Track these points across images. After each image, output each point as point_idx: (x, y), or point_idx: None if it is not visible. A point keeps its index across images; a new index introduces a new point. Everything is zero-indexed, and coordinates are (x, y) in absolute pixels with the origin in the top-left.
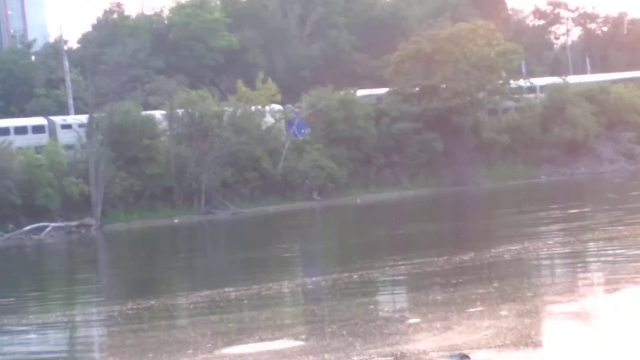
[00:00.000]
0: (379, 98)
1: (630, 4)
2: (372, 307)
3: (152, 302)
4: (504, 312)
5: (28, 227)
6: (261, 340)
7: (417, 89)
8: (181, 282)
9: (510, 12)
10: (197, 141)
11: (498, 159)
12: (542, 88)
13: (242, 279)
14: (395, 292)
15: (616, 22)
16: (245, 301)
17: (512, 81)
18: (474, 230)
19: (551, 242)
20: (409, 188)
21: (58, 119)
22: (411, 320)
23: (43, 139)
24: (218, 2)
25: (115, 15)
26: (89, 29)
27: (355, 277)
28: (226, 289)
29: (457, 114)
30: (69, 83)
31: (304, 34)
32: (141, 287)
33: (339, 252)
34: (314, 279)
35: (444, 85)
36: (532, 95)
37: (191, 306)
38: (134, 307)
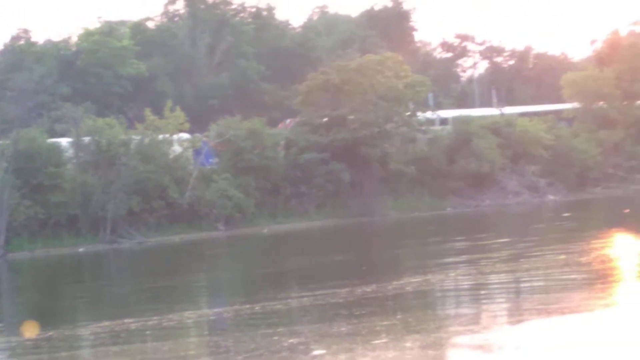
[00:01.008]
0: (288, 128)
1: (536, 38)
2: (276, 338)
3: (51, 333)
4: (408, 344)
5: None
6: None
7: (325, 119)
8: (82, 313)
9: (418, 45)
10: (104, 169)
11: (405, 190)
12: (443, 120)
13: (145, 310)
14: (299, 323)
15: (522, 56)
16: (148, 332)
17: (419, 113)
18: (376, 261)
19: (453, 274)
20: (316, 218)
21: None
22: (316, 352)
23: None
24: (127, 30)
25: (22, 42)
26: None
27: (257, 308)
28: (127, 320)
29: (365, 145)
30: None
31: (213, 63)
32: (41, 317)
33: (242, 283)
34: (217, 309)
35: (352, 116)
36: (438, 128)
37: (92, 337)
38: (33, 337)
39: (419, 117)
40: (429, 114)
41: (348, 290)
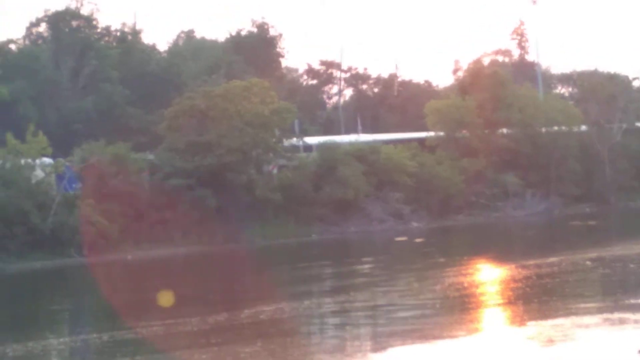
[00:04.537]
0: (154, 153)
1: (401, 66)
2: None
3: None
4: None
5: None
6: None
7: (191, 145)
8: None
9: (284, 71)
10: None
11: (271, 216)
12: (309, 147)
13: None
14: (157, 352)
15: (387, 84)
16: None
17: (285, 140)
18: (230, 290)
19: (308, 302)
20: (181, 245)
21: None
22: None
23: None
24: None
25: None
26: None
27: (106, 337)
28: None
29: (231, 171)
30: None
31: (77, 87)
32: None
33: (91, 312)
34: (63, 339)
35: (218, 142)
36: (304, 154)
37: None
38: None
39: (285, 144)
40: (294, 141)
41: (199, 319)
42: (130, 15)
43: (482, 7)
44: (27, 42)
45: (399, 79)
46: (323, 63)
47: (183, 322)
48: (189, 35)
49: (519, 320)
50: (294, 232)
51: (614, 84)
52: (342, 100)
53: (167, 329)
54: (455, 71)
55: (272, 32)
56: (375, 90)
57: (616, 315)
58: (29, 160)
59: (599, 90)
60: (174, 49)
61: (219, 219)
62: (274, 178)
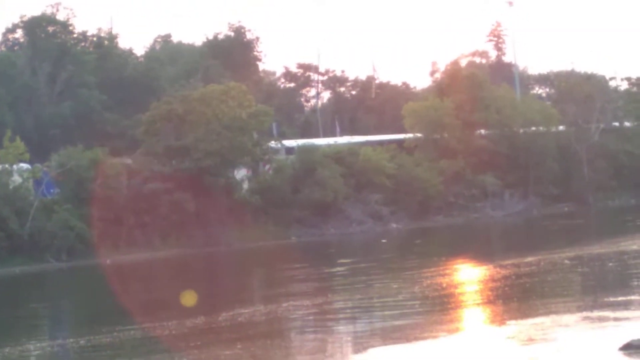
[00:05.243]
0: (131, 158)
1: (378, 68)
2: None
3: None
4: None
5: None
6: None
7: (168, 149)
8: None
9: (261, 75)
10: None
11: (249, 219)
12: (288, 150)
13: None
14: (137, 355)
15: (364, 86)
16: None
17: (263, 143)
18: (207, 293)
19: (286, 304)
20: (160, 249)
21: None
22: None
23: None
24: None
25: None
26: None
27: (83, 342)
28: None
29: (209, 175)
30: None
31: (54, 93)
32: None
33: (70, 318)
34: (41, 344)
35: (196, 146)
36: (283, 157)
37: None
38: None
39: (263, 147)
40: (273, 144)
41: (176, 323)
42: (106, 20)
43: (459, 8)
44: (3, 48)
45: (377, 81)
46: (300, 66)
47: (160, 326)
48: (166, 39)
49: (499, 319)
50: (273, 234)
51: (591, 84)
52: (319, 102)
53: (145, 333)
54: (432, 73)
55: (249, 36)
56: (353, 92)
57: (595, 314)
58: (7, 166)
59: (576, 90)
60: (151, 54)
61: (197, 222)
62: (254, 180)
